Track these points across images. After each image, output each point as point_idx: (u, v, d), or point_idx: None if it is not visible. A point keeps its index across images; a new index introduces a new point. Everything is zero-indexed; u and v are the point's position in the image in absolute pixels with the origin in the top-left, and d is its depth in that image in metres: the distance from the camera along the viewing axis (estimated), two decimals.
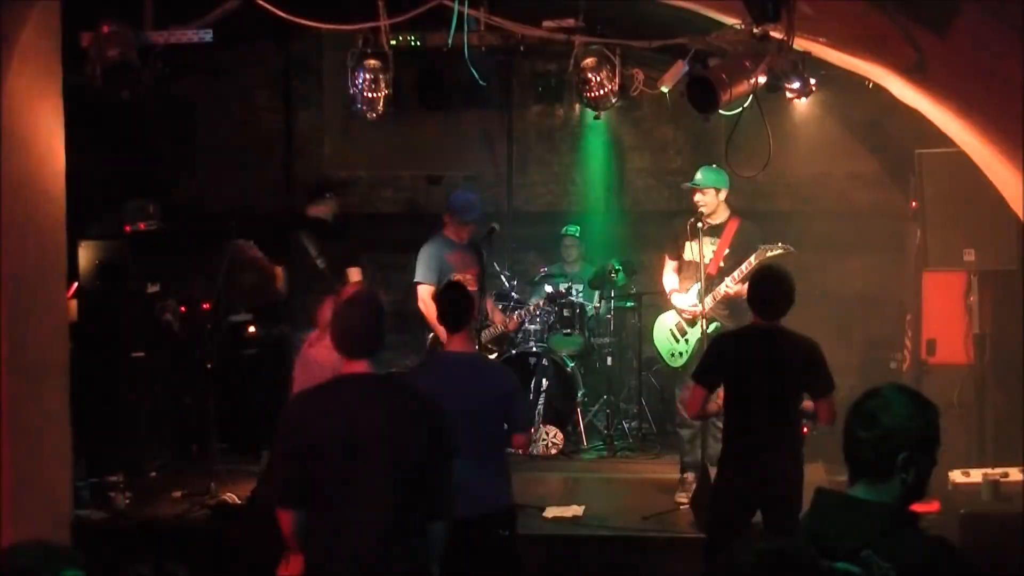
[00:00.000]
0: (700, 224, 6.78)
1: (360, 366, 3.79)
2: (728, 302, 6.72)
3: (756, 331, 5.15)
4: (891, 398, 2.65)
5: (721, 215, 7.03)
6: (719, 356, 5.23)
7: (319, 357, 5.75)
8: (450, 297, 5.03)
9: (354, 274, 7.26)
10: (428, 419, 3.83)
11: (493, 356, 7.91)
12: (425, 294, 7.22)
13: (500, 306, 8.20)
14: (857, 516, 2.58)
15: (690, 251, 6.90)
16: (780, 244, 6.69)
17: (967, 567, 2.58)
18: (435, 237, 7.40)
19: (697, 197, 6.95)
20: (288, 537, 3.79)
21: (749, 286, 5.26)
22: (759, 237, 6.96)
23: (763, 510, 5.05)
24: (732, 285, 6.68)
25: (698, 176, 7.00)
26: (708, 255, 6.83)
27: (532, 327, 8.39)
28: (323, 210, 7.48)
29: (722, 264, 6.84)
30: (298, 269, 7.34)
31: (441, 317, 5.01)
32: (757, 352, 5.06)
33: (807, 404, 5.10)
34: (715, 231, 7.01)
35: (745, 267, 6.63)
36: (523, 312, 8.18)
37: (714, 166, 7.00)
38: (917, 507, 2.67)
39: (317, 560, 3.73)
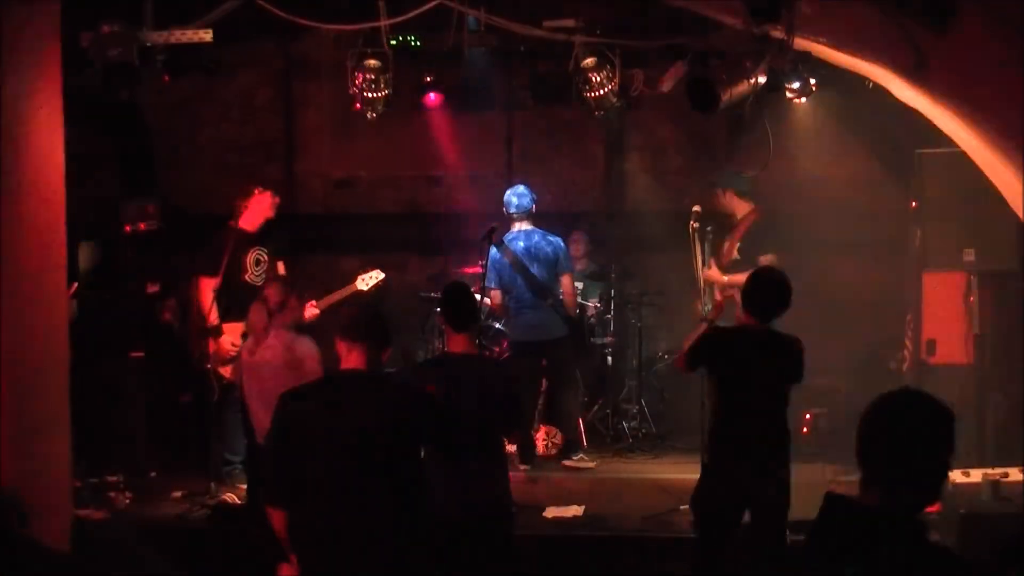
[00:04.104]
0: (696, 224, 6.88)
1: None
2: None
3: (749, 332, 5.15)
4: (909, 402, 2.64)
5: (740, 211, 7.42)
6: (710, 349, 5.22)
7: (266, 357, 5.78)
8: (452, 297, 5.02)
9: (282, 268, 7.28)
10: (416, 411, 3.85)
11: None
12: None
13: None
14: (866, 522, 2.57)
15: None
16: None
17: None
18: None
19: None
20: (280, 535, 3.79)
21: (748, 287, 5.27)
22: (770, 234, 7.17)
23: (751, 508, 5.07)
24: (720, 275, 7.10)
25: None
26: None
27: None
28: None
29: (736, 256, 7.16)
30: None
31: (443, 318, 5.00)
32: (750, 353, 5.07)
33: None
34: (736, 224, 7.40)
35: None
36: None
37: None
38: None
39: (309, 558, 3.73)
